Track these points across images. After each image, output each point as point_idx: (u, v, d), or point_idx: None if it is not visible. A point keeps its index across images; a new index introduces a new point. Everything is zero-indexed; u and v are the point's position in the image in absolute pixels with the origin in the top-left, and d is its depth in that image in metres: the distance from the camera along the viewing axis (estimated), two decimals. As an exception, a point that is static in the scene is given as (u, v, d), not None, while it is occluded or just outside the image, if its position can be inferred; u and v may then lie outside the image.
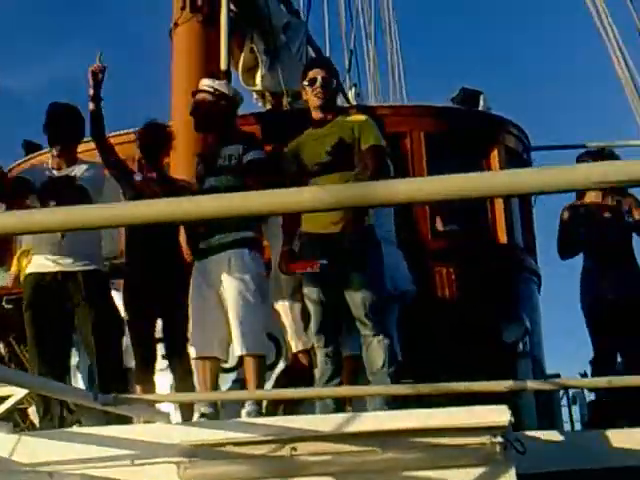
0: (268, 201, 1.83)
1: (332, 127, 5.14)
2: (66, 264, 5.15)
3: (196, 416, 4.76)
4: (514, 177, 1.77)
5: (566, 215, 6.54)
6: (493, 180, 1.81)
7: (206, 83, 5.45)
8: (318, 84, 5.12)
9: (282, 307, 5.57)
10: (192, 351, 5.08)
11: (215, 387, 5.06)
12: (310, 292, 4.98)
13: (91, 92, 5.24)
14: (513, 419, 4.01)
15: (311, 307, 4.97)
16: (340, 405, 4.91)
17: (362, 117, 5.28)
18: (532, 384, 4.64)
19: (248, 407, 4.83)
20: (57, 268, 5.15)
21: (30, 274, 5.27)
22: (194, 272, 5.20)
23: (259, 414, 4.82)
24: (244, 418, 4.70)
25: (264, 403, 5.09)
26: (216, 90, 5.36)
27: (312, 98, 5.17)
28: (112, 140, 5.81)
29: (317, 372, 4.93)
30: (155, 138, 5.57)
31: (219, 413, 4.95)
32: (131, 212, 1.75)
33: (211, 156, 5.31)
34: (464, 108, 6.89)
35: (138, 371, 5.30)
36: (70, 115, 5.34)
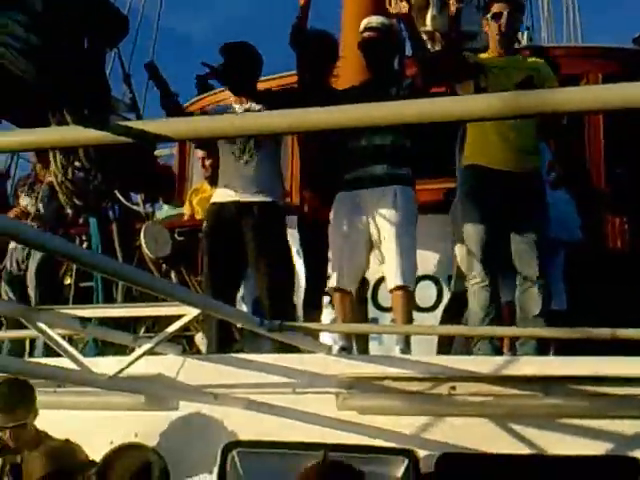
0: (445, 106, 1.76)
1: (515, 62, 5.05)
2: (245, 195, 5.20)
3: (335, 349, 4.77)
4: None
5: None
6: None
7: (375, 20, 5.37)
8: (504, 19, 5.05)
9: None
10: (333, 280, 5.04)
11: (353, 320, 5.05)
12: (473, 230, 4.87)
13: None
14: (686, 372, 3.82)
15: (474, 245, 4.87)
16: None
17: (541, 61, 5.16)
18: None
19: (400, 344, 4.81)
20: (236, 198, 5.20)
21: (213, 204, 5.38)
22: (340, 202, 5.15)
23: (408, 351, 4.79)
24: (400, 354, 4.68)
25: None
26: (384, 26, 5.29)
27: (494, 33, 5.08)
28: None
29: (479, 311, 4.80)
30: (322, 49, 5.50)
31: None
32: (325, 116, 1.75)
33: (375, 89, 5.18)
34: (645, 50, 6.51)
35: (305, 303, 5.40)
36: (246, 53, 5.40)
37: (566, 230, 5.44)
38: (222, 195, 5.31)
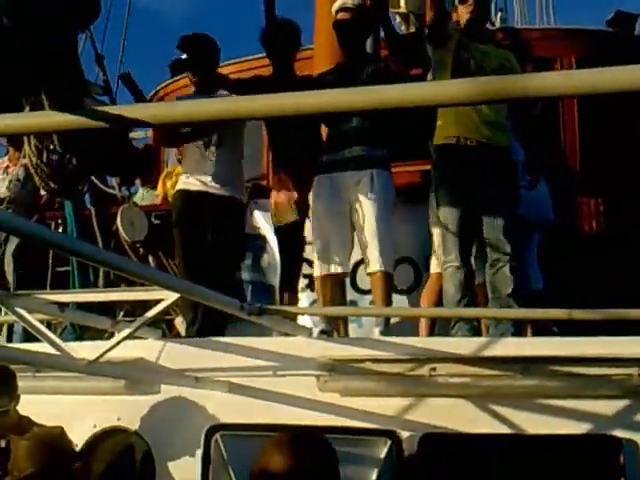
0: (418, 93, 1.75)
1: (491, 49, 5.07)
2: (208, 186, 5.32)
3: (316, 332, 4.80)
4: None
5: None
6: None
7: (350, 1, 5.34)
8: (471, 1, 5.04)
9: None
10: (318, 266, 5.09)
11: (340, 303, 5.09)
12: (448, 211, 4.89)
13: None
14: (663, 352, 3.87)
15: (450, 224, 4.88)
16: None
17: (511, 54, 5.20)
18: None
19: (379, 326, 4.84)
20: (202, 188, 5.33)
21: (179, 190, 5.45)
22: (319, 184, 5.18)
23: (388, 333, 4.82)
24: (380, 336, 4.71)
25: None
26: (359, 7, 5.28)
27: (464, 15, 5.08)
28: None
29: (455, 293, 4.83)
30: (285, 37, 5.54)
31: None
32: (298, 101, 1.73)
33: (349, 71, 5.20)
34: (619, 32, 6.56)
35: (281, 287, 5.41)
36: (202, 44, 5.41)
37: (540, 212, 5.49)
38: (188, 183, 5.42)
